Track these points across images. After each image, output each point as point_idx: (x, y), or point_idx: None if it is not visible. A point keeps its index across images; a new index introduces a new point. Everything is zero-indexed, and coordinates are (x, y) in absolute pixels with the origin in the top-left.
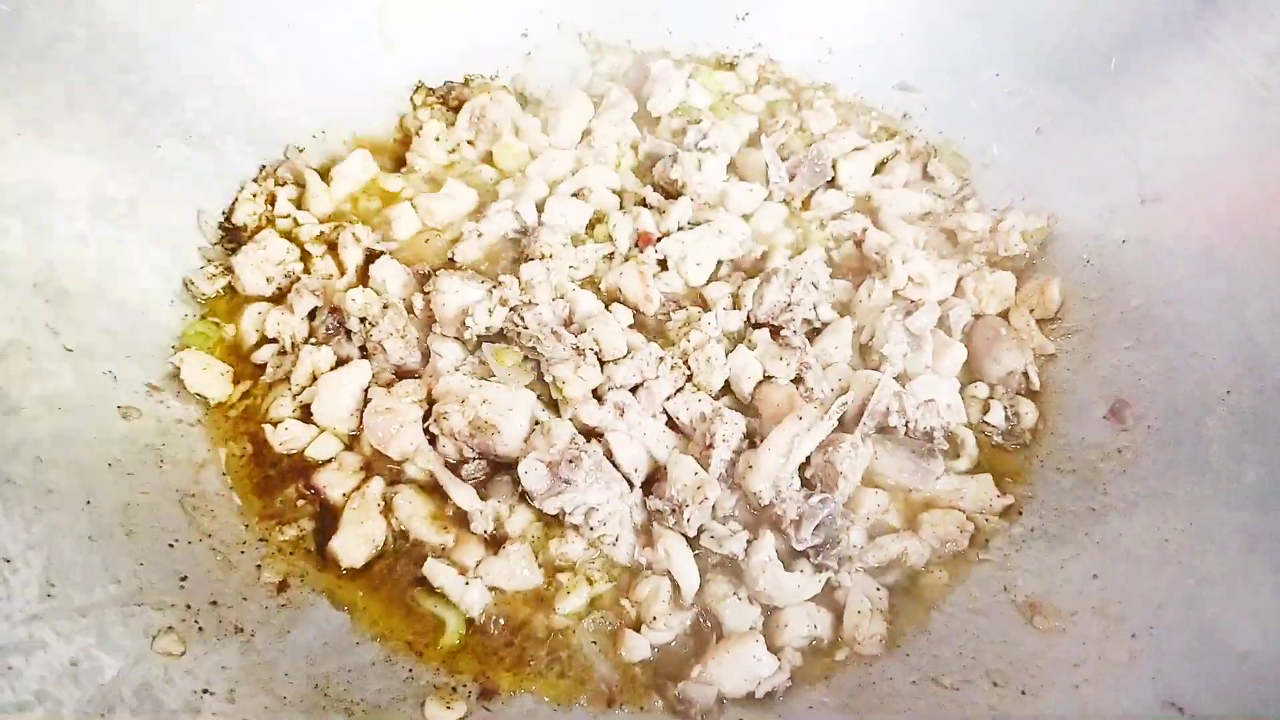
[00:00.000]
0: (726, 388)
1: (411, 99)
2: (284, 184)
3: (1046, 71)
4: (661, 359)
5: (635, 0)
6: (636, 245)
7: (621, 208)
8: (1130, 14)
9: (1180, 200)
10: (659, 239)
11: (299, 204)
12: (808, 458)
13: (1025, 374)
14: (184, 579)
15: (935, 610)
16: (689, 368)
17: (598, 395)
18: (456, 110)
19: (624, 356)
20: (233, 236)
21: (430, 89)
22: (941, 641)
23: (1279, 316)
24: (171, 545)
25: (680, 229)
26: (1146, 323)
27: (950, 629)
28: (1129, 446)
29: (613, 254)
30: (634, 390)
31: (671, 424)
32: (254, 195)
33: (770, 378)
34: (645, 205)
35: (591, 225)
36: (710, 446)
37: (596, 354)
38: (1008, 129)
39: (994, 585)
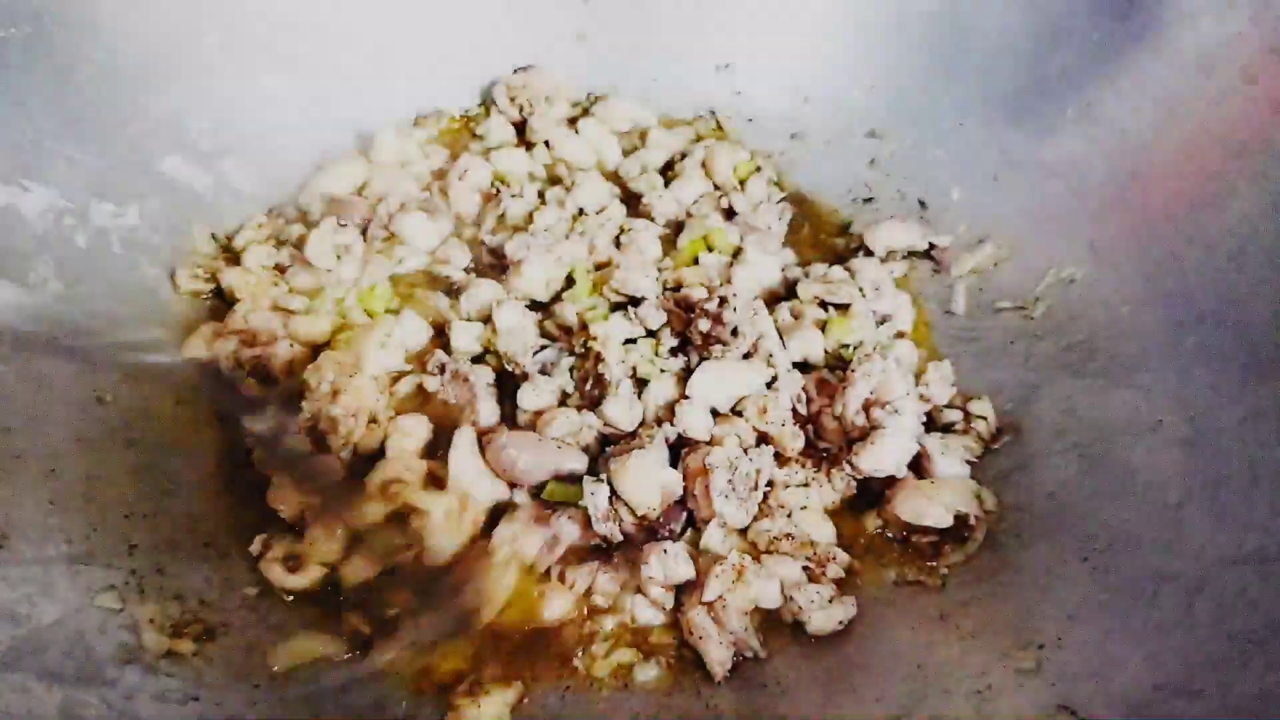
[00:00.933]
0: None
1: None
2: (291, 222)
3: (1005, 121)
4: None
5: (623, 48)
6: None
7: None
8: (1084, 66)
9: (1126, 240)
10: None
11: (300, 244)
12: None
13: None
14: (133, 547)
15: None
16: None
17: None
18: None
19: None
20: (230, 254)
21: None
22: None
23: (1211, 351)
24: (127, 516)
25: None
26: (1089, 355)
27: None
28: (1060, 474)
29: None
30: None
31: None
32: (259, 225)
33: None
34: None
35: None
36: None
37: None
38: (968, 174)
39: (925, 601)
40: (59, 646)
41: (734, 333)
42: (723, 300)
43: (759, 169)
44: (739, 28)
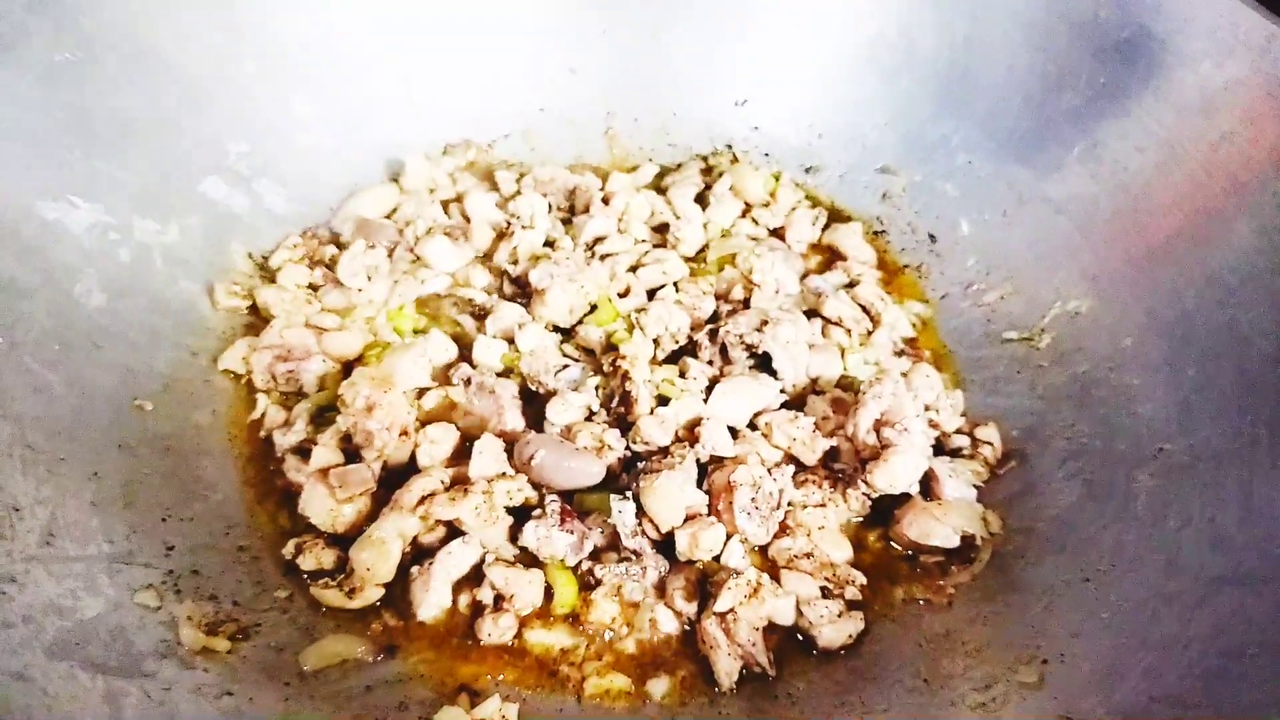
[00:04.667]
0: None
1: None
2: (325, 243)
3: (1013, 159)
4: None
5: (643, 84)
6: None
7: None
8: (1089, 106)
9: (1129, 275)
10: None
11: (333, 264)
12: None
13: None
14: (170, 549)
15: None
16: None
17: None
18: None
19: None
20: (266, 272)
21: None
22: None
23: (1212, 381)
24: (164, 519)
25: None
26: (1093, 385)
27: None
28: (1064, 498)
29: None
30: None
31: None
32: (294, 245)
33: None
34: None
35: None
36: None
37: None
38: (977, 210)
39: (932, 618)
40: (101, 639)
41: (723, 353)
42: (713, 328)
43: (778, 177)
44: (756, 66)
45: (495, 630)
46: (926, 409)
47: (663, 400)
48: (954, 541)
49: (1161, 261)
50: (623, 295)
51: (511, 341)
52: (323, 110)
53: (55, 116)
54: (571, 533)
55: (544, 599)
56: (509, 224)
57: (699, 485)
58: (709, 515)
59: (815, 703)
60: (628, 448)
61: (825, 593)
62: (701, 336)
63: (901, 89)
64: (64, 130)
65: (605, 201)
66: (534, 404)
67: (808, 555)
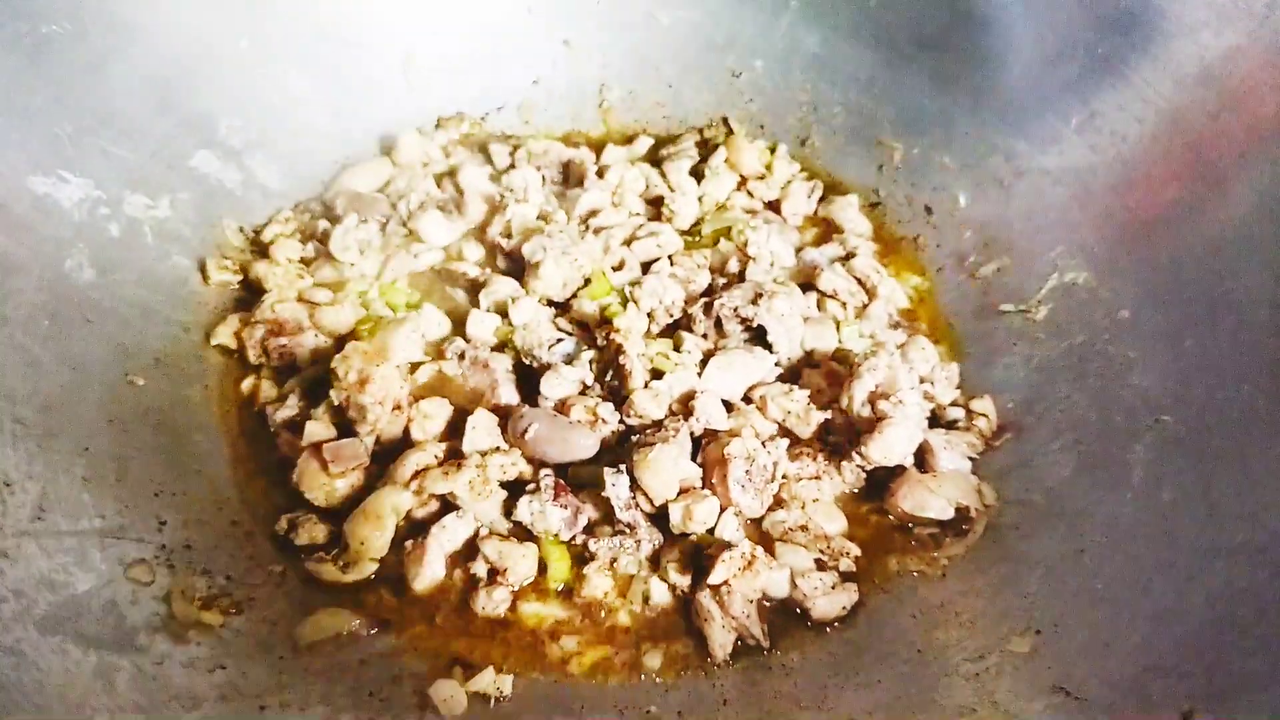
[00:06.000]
0: None
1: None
2: (317, 217)
3: (1011, 130)
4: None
5: (639, 57)
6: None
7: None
8: (1088, 77)
9: (1127, 246)
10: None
11: (325, 239)
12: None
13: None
14: (163, 523)
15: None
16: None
17: None
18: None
19: None
20: (258, 246)
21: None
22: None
23: (1209, 353)
24: (157, 494)
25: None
26: (1089, 357)
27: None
28: (1059, 470)
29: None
30: None
31: None
32: (286, 219)
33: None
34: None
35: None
36: None
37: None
38: (975, 182)
39: (926, 589)
40: (93, 614)
41: (718, 326)
42: (708, 301)
43: (773, 149)
44: (752, 36)
45: (489, 604)
46: (922, 381)
47: (657, 374)
48: (948, 513)
49: (1160, 233)
50: (617, 269)
51: (505, 315)
52: (315, 84)
53: (44, 90)
54: (565, 507)
55: (538, 573)
56: (502, 197)
57: (693, 458)
58: (703, 488)
59: (809, 674)
60: (622, 421)
61: (819, 565)
62: (696, 310)
63: (898, 60)
64: (53, 104)
65: (599, 174)
66: (528, 378)
67: (802, 528)
